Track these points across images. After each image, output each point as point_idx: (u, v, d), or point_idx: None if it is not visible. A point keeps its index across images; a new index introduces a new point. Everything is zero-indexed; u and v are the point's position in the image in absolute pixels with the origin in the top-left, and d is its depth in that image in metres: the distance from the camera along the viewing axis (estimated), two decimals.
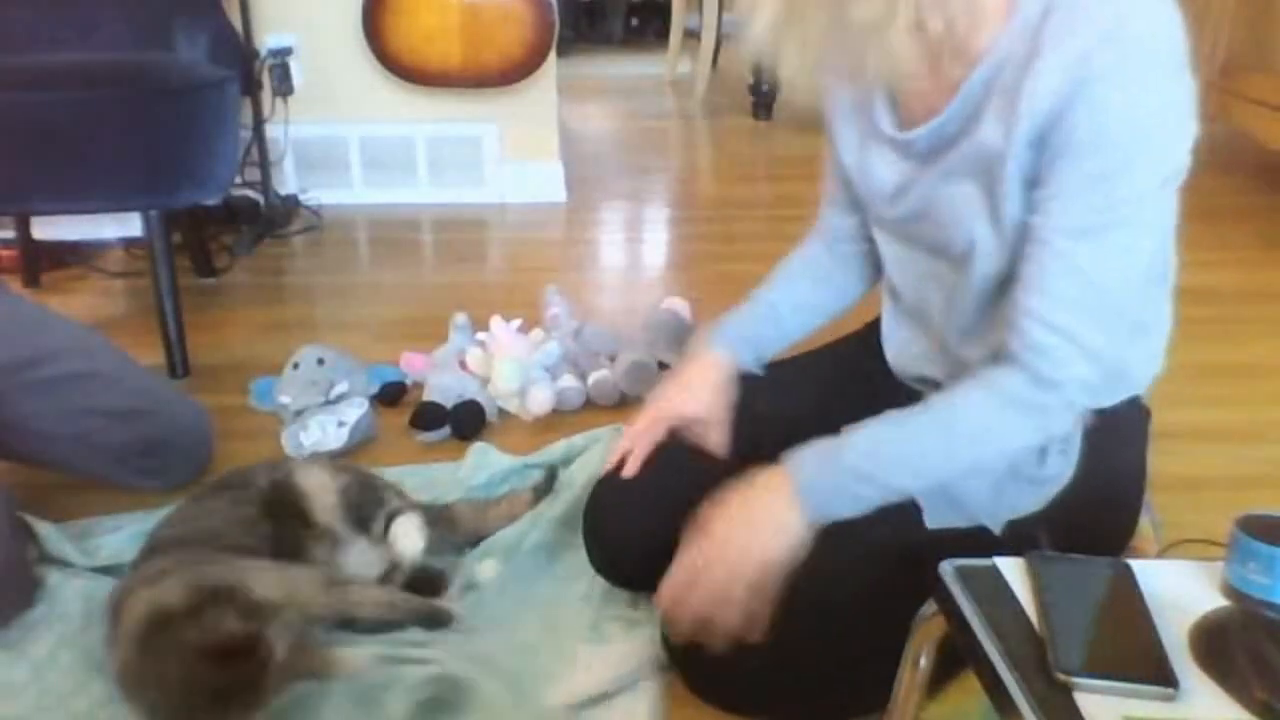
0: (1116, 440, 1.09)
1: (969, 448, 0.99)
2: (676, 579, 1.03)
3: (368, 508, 1.33)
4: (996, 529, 1.05)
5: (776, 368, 1.29)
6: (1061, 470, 1.05)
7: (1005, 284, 0.98)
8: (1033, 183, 0.91)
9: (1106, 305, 0.92)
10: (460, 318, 1.99)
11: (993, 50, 0.92)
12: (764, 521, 1.00)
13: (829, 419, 1.04)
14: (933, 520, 1.05)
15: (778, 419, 1.13)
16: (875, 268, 1.22)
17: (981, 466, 1.02)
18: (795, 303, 1.25)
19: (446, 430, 1.74)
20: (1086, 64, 0.86)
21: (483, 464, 1.59)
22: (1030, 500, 1.06)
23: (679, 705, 1.15)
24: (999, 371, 0.96)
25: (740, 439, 1.18)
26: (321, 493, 1.31)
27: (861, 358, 1.23)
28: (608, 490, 1.25)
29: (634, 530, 1.22)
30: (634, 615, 1.28)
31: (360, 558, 1.30)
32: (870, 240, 1.18)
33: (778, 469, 1.02)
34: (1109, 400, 1.05)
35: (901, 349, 1.17)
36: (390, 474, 1.48)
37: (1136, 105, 0.86)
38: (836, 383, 1.24)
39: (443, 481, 1.58)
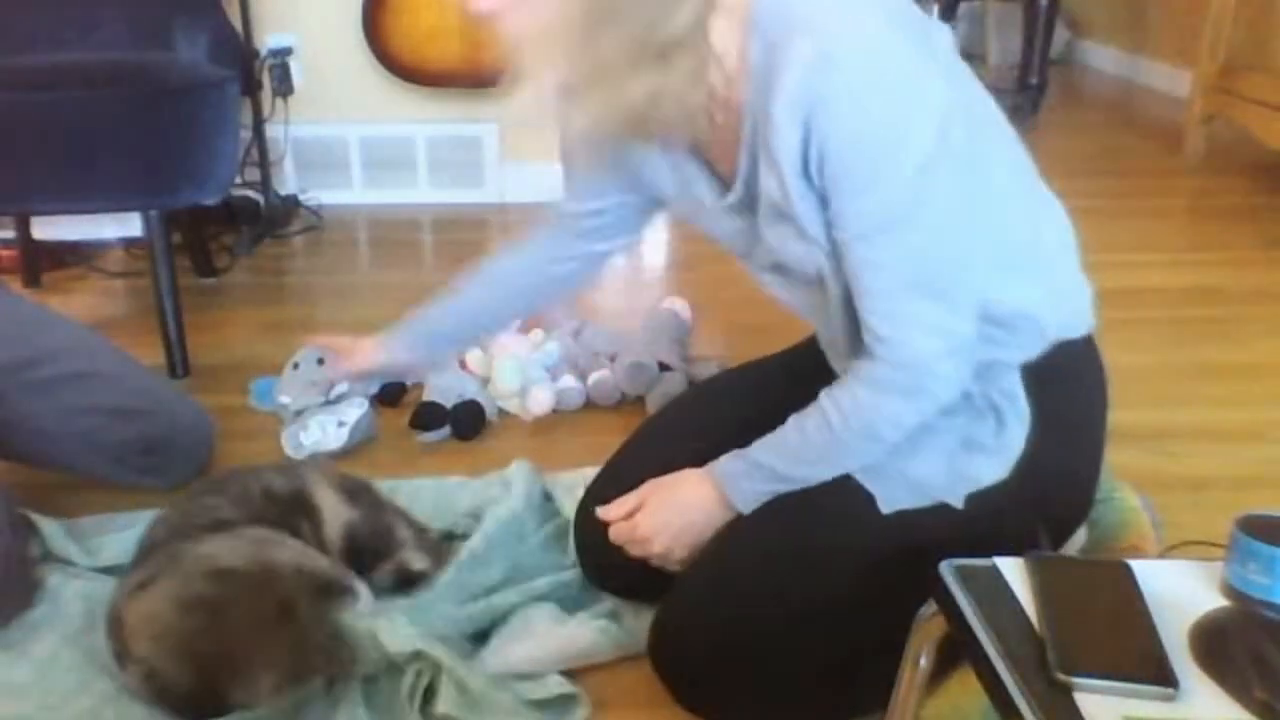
0: (1066, 392, 1.09)
1: (864, 437, 1.05)
2: (622, 536, 1.17)
3: (375, 547, 1.33)
4: (958, 503, 1.06)
5: (744, 371, 1.39)
6: (1017, 437, 1.06)
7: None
8: (821, 206, 0.96)
9: (923, 284, 0.96)
10: None
11: (744, 105, 0.97)
12: (691, 508, 1.14)
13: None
14: (888, 505, 1.07)
15: (745, 421, 1.15)
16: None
17: (887, 448, 1.06)
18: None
19: (446, 430, 1.74)
20: (802, 99, 0.90)
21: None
22: (990, 471, 1.07)
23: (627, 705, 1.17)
24: (866, 364, 1.02)
25: (712, 443, 1.19)
26: (333, 519, 1.32)
27: (817, 358, 1.24)
28: (596, 502, 1.24)
29: None
30: (604, 607, 1.29)
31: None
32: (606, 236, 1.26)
33: (702, 470, 1.14)
34: (1029, 351, 1.06)
35: (828, 352, 1.19)
36: (401, 489, 1.47)
37: (859, 117, 0.90)
38: (794, 386, 1.25)
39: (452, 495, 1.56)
